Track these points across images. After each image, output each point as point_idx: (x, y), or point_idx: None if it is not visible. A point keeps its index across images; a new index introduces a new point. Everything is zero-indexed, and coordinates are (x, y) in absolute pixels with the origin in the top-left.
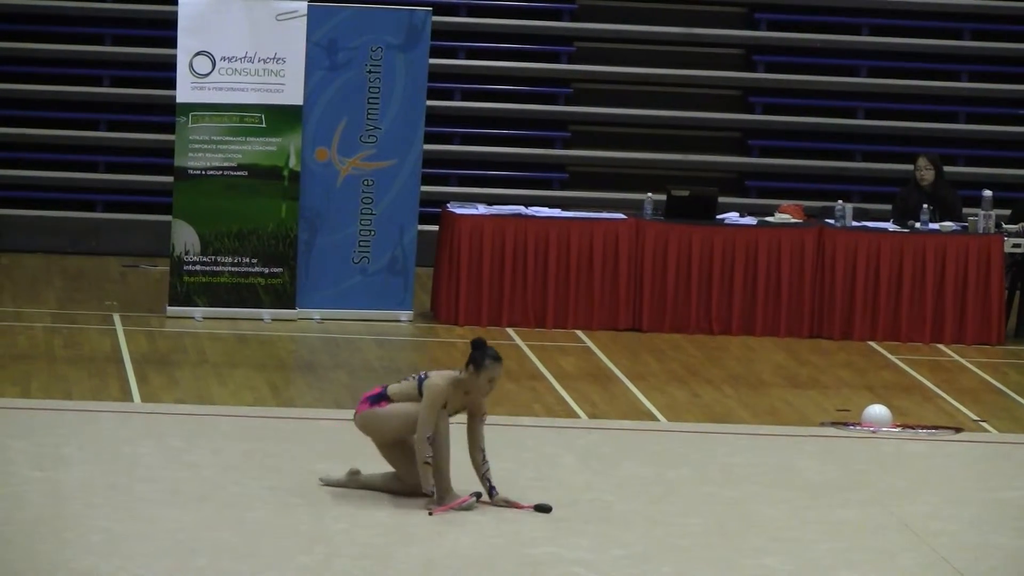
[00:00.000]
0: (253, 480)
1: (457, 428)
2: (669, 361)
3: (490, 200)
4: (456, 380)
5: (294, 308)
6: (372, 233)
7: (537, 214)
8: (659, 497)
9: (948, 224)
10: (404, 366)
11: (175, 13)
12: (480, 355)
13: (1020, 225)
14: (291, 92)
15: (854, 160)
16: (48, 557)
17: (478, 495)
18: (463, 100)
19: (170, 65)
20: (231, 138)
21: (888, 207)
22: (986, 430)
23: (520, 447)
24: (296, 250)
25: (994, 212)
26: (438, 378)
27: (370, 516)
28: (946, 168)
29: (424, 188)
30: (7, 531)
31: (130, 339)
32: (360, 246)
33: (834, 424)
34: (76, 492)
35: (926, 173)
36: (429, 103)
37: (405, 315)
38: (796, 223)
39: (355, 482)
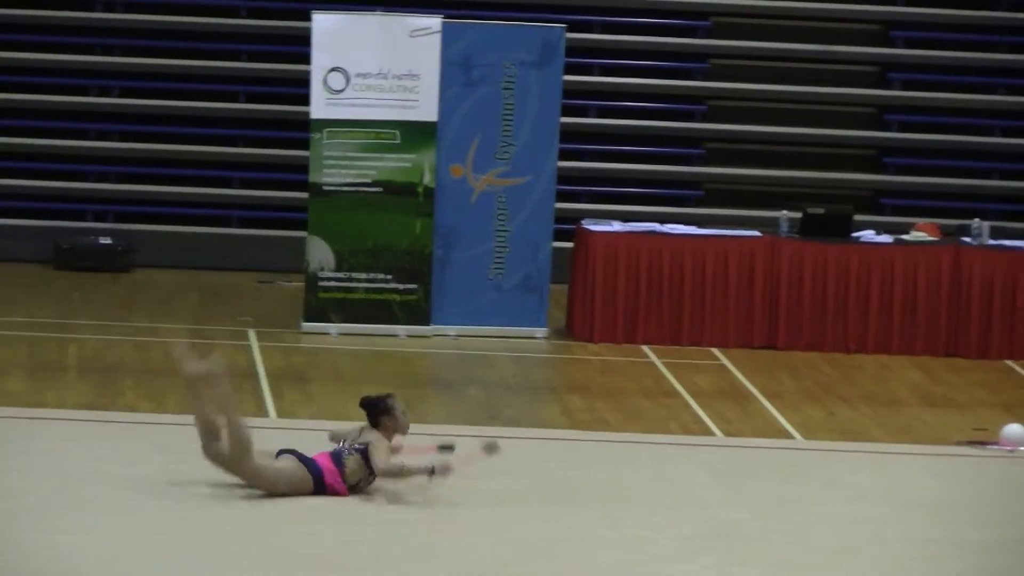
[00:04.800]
0: (387, 498)
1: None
2: (804, 379)
3: (625, 217)
4: (386, 445)
5: (429, 324)
6: (507, 250)
7: (672, 231)
8: (791, 515)
9: None
10: (538, 383)
11: (309, 29)
12: (383, 405)
13: None
14: (425, 108)
15: (991, 178)
16: (173, 571)
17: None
18: (598, 117)
19: (304, 81)
20: (365, 154)
21: None
22: None
23: (655, 464)
24: (431, 266)
25: None
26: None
27: (511, 532)
28: None
29: (558, 205)
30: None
31: (265, 355)
32: (495, 263)
33: (970, 443)
34: (211, 507)
35: None
36: (563, 120)
37: (540, 332)
38: (932, 241)
39: None
